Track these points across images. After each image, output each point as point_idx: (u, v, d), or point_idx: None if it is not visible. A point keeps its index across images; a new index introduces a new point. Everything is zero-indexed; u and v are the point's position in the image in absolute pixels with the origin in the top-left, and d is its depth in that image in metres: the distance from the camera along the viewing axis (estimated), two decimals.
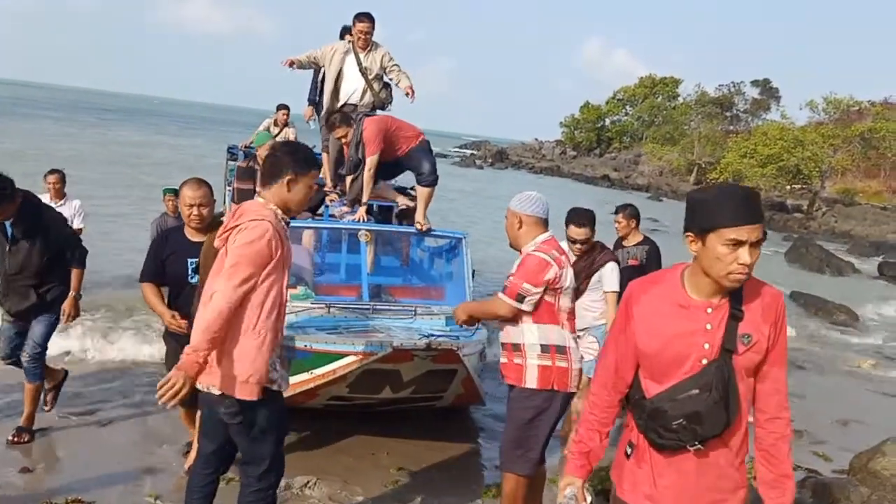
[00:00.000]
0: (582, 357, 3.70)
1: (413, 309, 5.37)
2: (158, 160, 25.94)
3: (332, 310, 5.22)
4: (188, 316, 3.69)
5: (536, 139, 71.22)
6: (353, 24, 6.51)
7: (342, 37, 7.12)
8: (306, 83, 7.54)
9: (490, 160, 58.81)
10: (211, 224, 3.83)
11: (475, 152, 67.69)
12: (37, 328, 4.61)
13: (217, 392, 2.82)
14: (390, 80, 6.77)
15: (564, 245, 4.04)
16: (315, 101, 7.42)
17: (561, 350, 3.45)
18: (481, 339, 5.19)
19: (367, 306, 5.34)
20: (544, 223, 3.58)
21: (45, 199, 7.00)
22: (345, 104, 6.65)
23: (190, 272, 3.88)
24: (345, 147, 6.41)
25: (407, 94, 6.59)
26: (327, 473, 4.45)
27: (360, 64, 6.60)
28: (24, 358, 4.62)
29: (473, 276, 5.92)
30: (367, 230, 5.90)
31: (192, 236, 3.93)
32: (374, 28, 6.54)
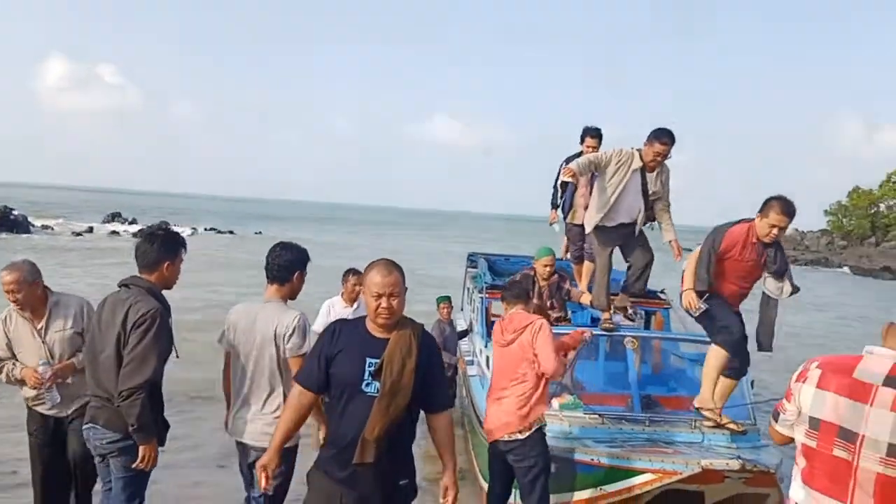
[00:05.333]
0: None
1: (691, 421, 5.01)
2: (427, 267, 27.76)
3: (604, 421, 5.05)
4: (337, 433, 3.01)
5: (797, 229, 65.68)
6: (651, 142, 5.61)
7: (582, 140, 7.15)
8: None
9: None
10: (401, 322, 3.09)
11: None
12: None
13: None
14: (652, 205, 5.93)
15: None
16: (558, 205, 7.40)
17: None
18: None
19: (643, 418, 5.10)
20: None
21: (338, 301, 6.50)
22: (620, 224, 5.85)
23: (366, 375, 2.99)
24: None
25: (675, 254, 5.85)
26: None
27: (645, 185, 5.79)
28: None
29: (753, 385, 5.44)
30: (634, 337, 5.71)
31: (376, 332, 3.07)
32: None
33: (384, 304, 3.01)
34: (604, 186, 5.74)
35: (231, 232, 40.82)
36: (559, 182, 7.25)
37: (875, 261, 48.65)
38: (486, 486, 4.73)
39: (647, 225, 5.98)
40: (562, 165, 7.10)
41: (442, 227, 75.94)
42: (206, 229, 41.45)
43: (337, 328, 3.14)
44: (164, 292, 3.67)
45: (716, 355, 4.98)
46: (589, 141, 7.05)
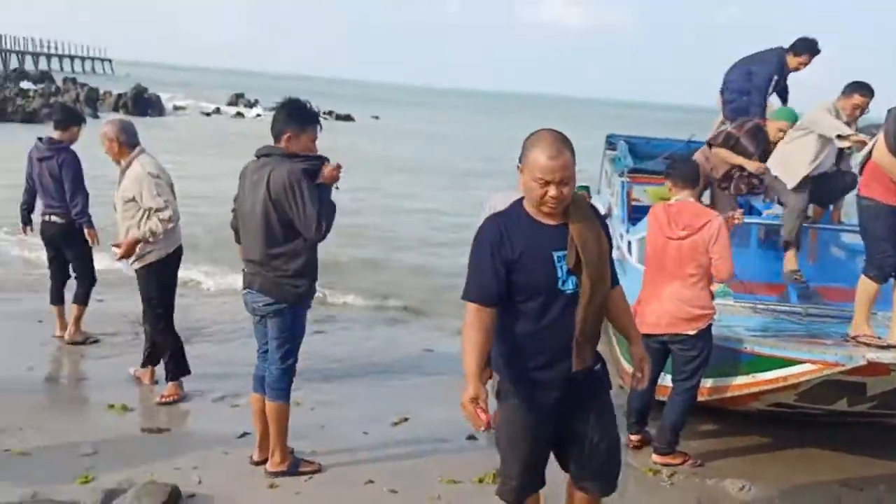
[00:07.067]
0: None
1: (852, 314, 4.86)
2: None
3: (757, 310, 4.99)
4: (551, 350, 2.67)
5: None
6: (850, 95, 5.31)
7: (799, 53, 6.29)
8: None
9: None
10: (572, 202, 2.68)
11: None
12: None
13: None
14: None
15: None
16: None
17: None
18: None
19: (800, 309, 4.99)
20: None
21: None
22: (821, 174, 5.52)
23: (561, 273, 2.63)
24: None
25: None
26: (760, 479, 4.26)
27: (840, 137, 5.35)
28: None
29: None
30: None
31: (545, 219, 2.67)
32: None
33: (552, 194, 2.56)
34: (817, 142, 5.40)
35: (349, 117, 41.36)
36: (771, 90, 6.41)
37: None
38: (628, 368, 4.79)
39: None
40: (775, 72, 6.34)
41: (568, 114, 74.24)
42: (325, 114, 42.05)
43: (500, 227, 2.65)
44: None
45: (865, 288, 4.56)
46: (804, 58, 6.29)
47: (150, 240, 4.71)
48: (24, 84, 39.40)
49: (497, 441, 2.89)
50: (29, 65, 58.10)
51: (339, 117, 40.87)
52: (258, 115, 36.97)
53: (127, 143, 4.84)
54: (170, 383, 4.97)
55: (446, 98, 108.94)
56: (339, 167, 3.77)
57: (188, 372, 5.02)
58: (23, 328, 6.12)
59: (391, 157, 23.40)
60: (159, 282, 4.85)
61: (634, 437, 4.55)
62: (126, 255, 4.80)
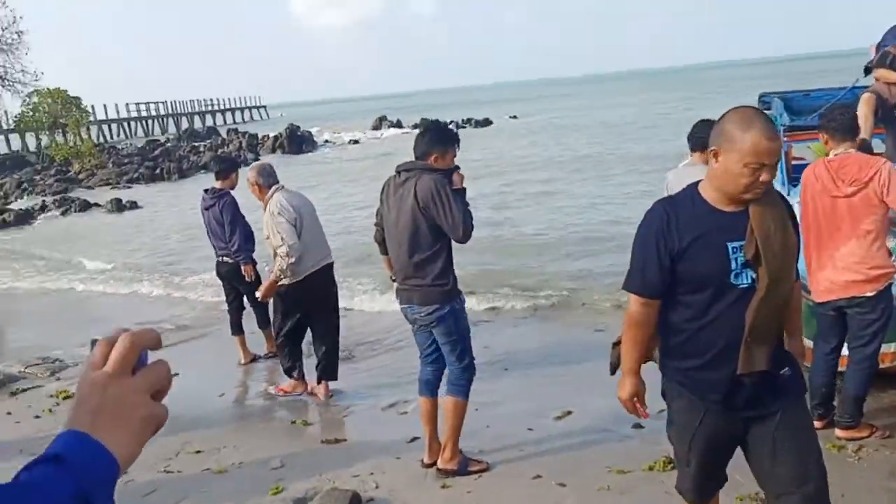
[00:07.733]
0: None
1: None
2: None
3: None
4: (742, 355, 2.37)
5: None
6: None
7: None
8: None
9: None
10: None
11: None
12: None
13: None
14: None
15: None
16: None
17: None
18: None
19: None
20: None
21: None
22: None
23: (735, 265, 2.35)
24: None
25: None
26: None
27: None
28: None
29: None
30: None
31: (723, 205, 2.38)
32: None
33: (765, 178, 2.25)
34: None
35: (487, 121, 41.73)
36: None
37: None
38: (808, 343, 4.43)
39: None
40: None
41: (705, 82, 70.55)
42: (463, 122, 42.73)
43: (667, 213, 2.43)
44: None
45: None
46: None
47: (283, 278, 5.18)
48: (195, 142, 43.22)
49: (669, 436, 2.77)
50: (197, 124, 63.69)
51: (477, 123, 41.35)
52: (404, 133, 38.27)
53: (265, 184, 5.32)
54: (290, 381, 5.64)
55: (575, 86, 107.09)
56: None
57: (290, 375, 5.63)
58: (211, 360, 6.74)
59: (532, 154, 23.37)
60: (281, 307, 5.44)
61: (817, 423, 4.22)
62: (266, 298, 5.52)
